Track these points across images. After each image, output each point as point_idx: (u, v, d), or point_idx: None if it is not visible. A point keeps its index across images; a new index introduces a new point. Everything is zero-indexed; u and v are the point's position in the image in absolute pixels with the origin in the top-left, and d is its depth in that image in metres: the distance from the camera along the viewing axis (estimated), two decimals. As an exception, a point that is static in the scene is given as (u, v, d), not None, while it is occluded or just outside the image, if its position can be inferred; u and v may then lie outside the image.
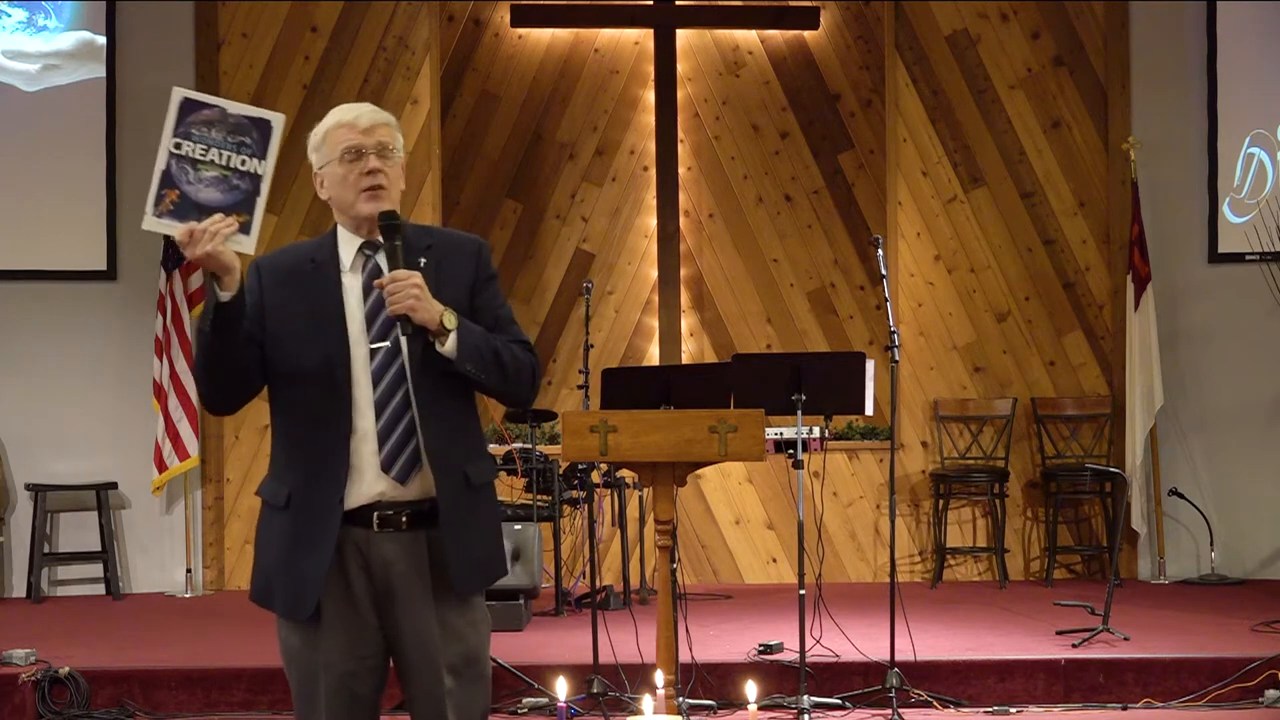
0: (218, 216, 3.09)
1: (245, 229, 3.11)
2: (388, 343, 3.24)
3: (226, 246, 3.11)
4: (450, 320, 3.21)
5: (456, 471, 3.28)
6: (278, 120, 3.17)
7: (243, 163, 3.12)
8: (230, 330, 3.17)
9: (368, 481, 3.23)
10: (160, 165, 3.10)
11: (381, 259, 3.29)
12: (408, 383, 3.24)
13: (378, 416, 3.23)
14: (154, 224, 3.09)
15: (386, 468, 3.22)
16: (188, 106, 3.12)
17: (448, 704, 3.27)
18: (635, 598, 7.96)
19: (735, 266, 9.09)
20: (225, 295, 3.14)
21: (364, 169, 3.28)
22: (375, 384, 3.24)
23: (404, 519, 3.25)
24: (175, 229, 3.08)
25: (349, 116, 3.32)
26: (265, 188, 3.14)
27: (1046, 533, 8.79)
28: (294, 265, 3.31)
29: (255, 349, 3.25)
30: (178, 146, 3.10)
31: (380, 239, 3.28)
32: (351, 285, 3.30)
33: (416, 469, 3.24)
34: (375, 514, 3.23)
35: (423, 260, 3.28)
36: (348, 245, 3.33)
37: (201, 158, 3.10)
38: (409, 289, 3.16)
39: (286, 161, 9.49)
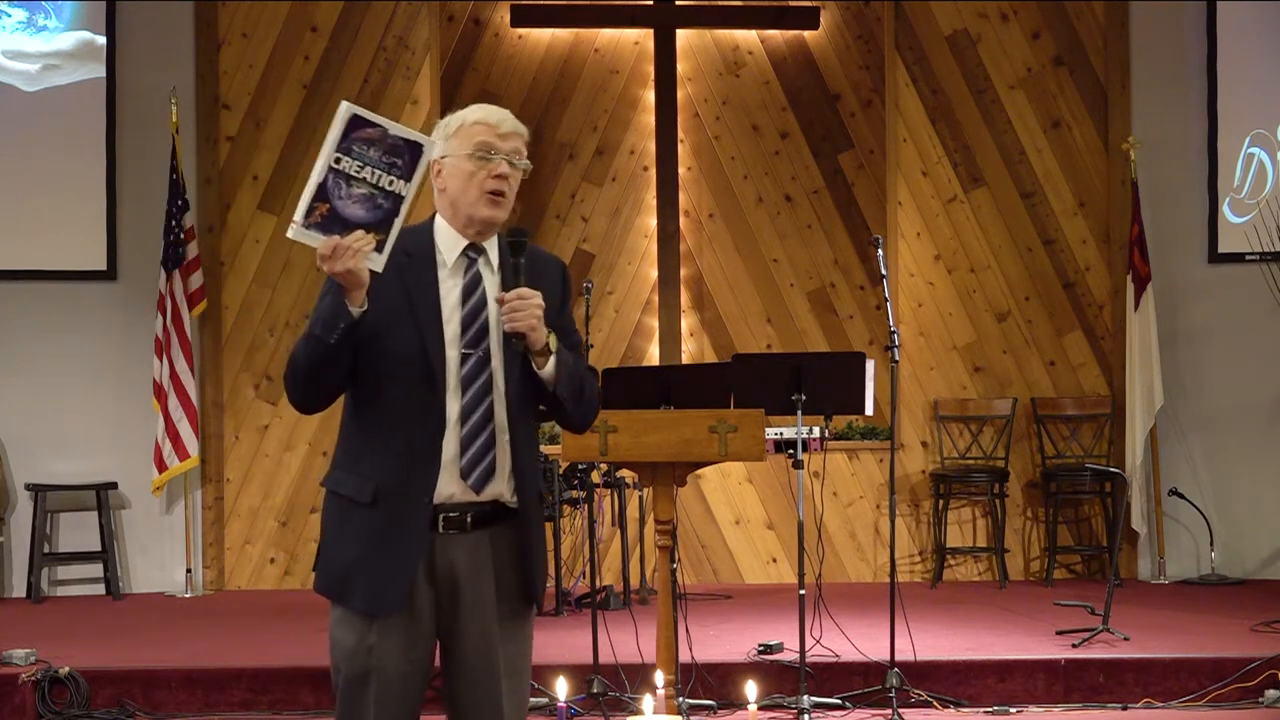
0: (359, 233, 3.08)
1: (379, 248, 3.10)
2: (479, 351, 3.25)
3: (363, 263, 3.11)
4: (553, 343, 3.25)
5: (534, 486, 3.34)
6: (429, 144, 3.16)
7: (390, 183, 3.10)
8: (351, 341, 3.18)
9: (444, 482, 3.23)
10: (317, 177, 3.08)
11: (483, 265, 3.30)
12: (492, 394, 3.25)
13: (462, 423, 3.23)
14: (300, 234, 3.08)
15: (465, 475, 3.23)
16: (355, 123, 3.08)
17: (505, 706, 3.29)
18: (635, 598, 7.96)
19: (735, 266, 9.09)
20: (357, 311, 3.13)
21: (493, 171, 3.26)
22: (464, 390, 3.24)
23: (469, 519, 3.26)
24: (319, 241, 3.07)
25: (493, 118, 3.29)
26: (405, 209, 3.13)
27: (1046, 533, 8.79)
28: (390, 257, 3.25)
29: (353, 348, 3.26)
30: (338, 161, 3.07)
31: (482, 244, 3.30)
32: (450, 286, 3.28)
33: (490, 480, 3.25)
34: (441, 515, 3.24)
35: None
36: (449, 243, 3.31)
37: (356, 174, 3.08)
38: (533, 309, 3.18)
39: (289, 159, 9.39)
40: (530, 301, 3.18)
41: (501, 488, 3.27)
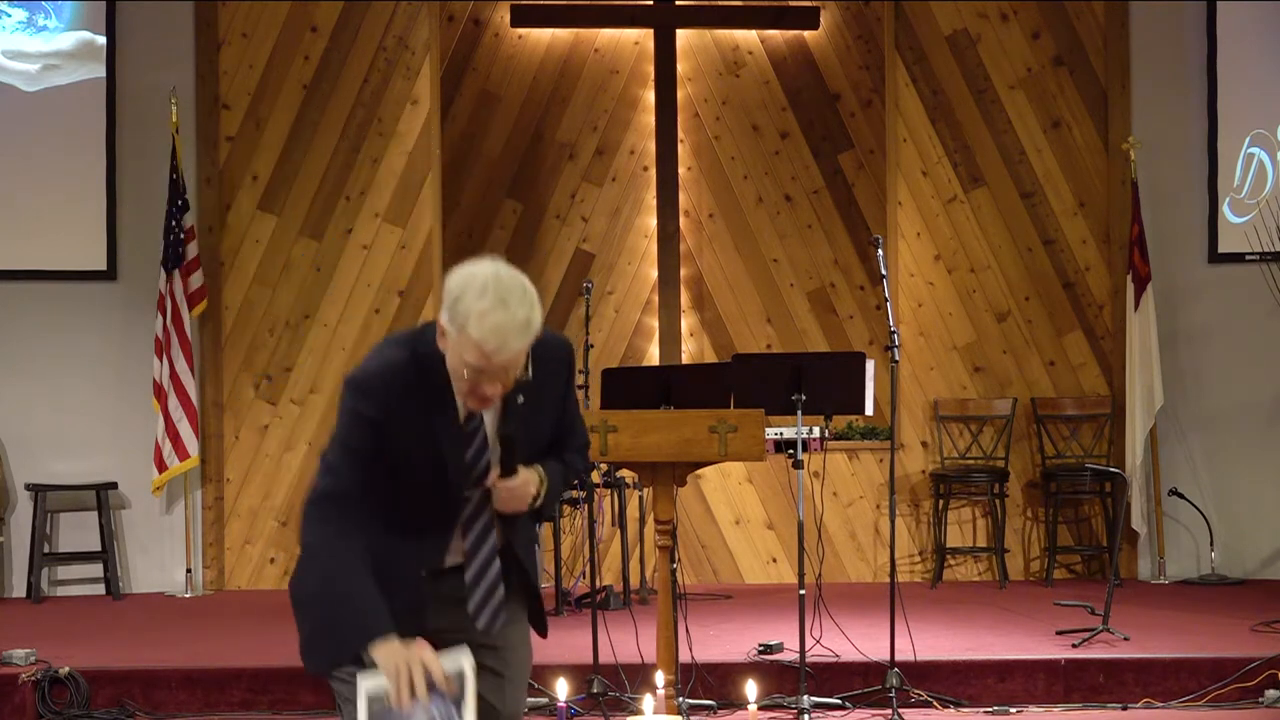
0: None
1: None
2: (479, 490, 3.29)
3: None
4: (543, 489, 3.32)
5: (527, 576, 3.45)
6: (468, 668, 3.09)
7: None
8: None
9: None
10: None
11: (487, 415, 3.26)
12: (493, 533, 3.32)
13: (468, 564, 3.30)
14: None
15: (475, 617, 3.30)
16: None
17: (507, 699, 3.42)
18: (635, 598, 7.96)
19: (735, 266, 9.09)
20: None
21: (478, 391, 3.14)
22: (465, 532, 3.30)
23: None
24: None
25: (490, 344, 3.05)
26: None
27: (1046, 533, 8.79)
28: (409, 401, 3.19)
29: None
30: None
31: None
32: (454, 440, 3.25)
33: (503, 613, 3.34)
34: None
35: (521, 398, 3.24)
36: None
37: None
38: (522, 498, 3.26)
39: (289, 159, 9.42)
40: (519, 492, 3.25)
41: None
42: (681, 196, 9.04)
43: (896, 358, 6.05)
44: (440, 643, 3.42)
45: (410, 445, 3.18)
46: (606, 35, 9.12)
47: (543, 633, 3.51)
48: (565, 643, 6.69)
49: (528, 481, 3.25)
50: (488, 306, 3.04)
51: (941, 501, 8.78)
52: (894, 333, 6.04)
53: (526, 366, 3.18)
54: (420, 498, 3.24)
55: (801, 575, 5.89)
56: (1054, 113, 9.03)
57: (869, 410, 6.51)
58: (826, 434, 7.36)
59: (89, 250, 8.74)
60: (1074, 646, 6.45)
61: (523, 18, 8.99)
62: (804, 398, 5.91)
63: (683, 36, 9.06)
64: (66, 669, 6.13)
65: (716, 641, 6.71)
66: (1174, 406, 8.78)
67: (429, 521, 3.26)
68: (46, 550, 8.54)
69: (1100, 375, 9.00)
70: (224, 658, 6.45)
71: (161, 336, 8.43)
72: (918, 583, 8.77)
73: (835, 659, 6.27)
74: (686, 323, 9.07)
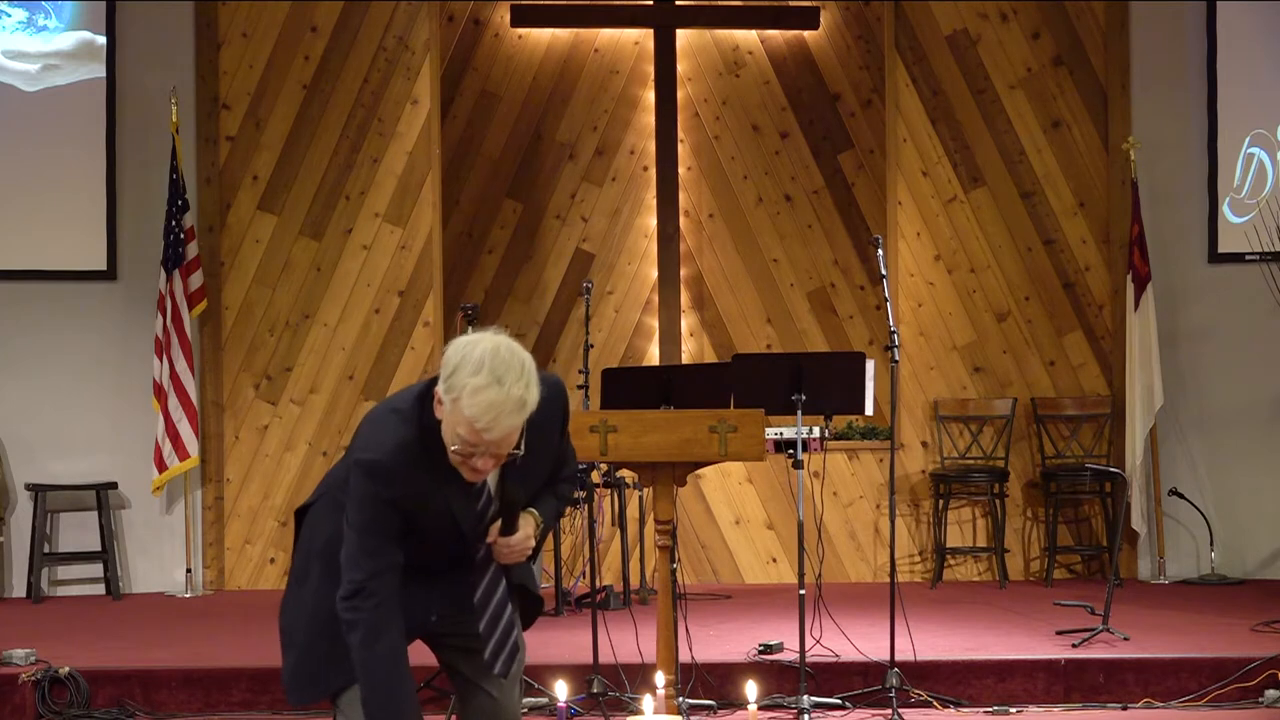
0: None
1: None
2: (484, 544, 3.37)
3: None
4: (537, 532, 3.40)
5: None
6: None
7: None
8: None
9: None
10: None
11: (490, 479, 3.32)
12: (501, 585, 3.38)
13: (481, 612, 3.38)
14: None
15: (492, 664, 3.39)
16: None
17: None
18: (635, 598, 7.96)
19: (735, 266, 9.09)
20: None
21: (470, 465, 3.16)
22: (476, 581, 3.38)
23: None
24: None
25: (483, 420, 3.06)
26: None
27: (1046, 533, 8.79)
28: (423, 475, 3.22)
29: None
30: None
31: None
32: (465, 502, 3.30)
33: (518, 656, 3.45)
34: None
35: (519, 453, 3.23)
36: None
37: None
38: (520, 553, 3.35)
39: (289, 159, 9.38)
40: (517, 549, 3.33)
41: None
42: (681, 196, 9.04)
43: (896, 358, 6.04)
44: (439, 640, 3.48)
45: (426, 513, 3.23)
46: (606, 35, 9.12)
47: (526, 624, 3.56)
48: (565, 643, 6.69)
49: (528, 536, 3.32)
50: (482, 383, 3.04)
51: (941, 501, 8.78)
52: (894, 333, 6.03)
53: (520, 443, 3.15)
54: (434, 553, 3.31)
55: (801, 575, 5.89)
56: (1054, 113, 9.03)
57: (869, 410, 6.52)
58: (826, 434, 7.36)
59: (89, 250, 8.74)
60: (1074, 646, 6.45)
61: (523, 18, 8.99)
62: (804, 398, 5.91)
63: (683, 36, 9.06)
64: (66, 669, 6.12)
65: (716, 641, 6.70)
66: (1174, 406, 8.78)
67: (442, 570, 3.36)
68: (46, 550, 8.54)
69: (1100, 375, 9.00)
70: (224, 658, 6.45)
71: (161, 336, 8.43)
72: (918, 583, 8.77)
73: (835, 659, 6.27)
74: (686, 323, 9.07)
